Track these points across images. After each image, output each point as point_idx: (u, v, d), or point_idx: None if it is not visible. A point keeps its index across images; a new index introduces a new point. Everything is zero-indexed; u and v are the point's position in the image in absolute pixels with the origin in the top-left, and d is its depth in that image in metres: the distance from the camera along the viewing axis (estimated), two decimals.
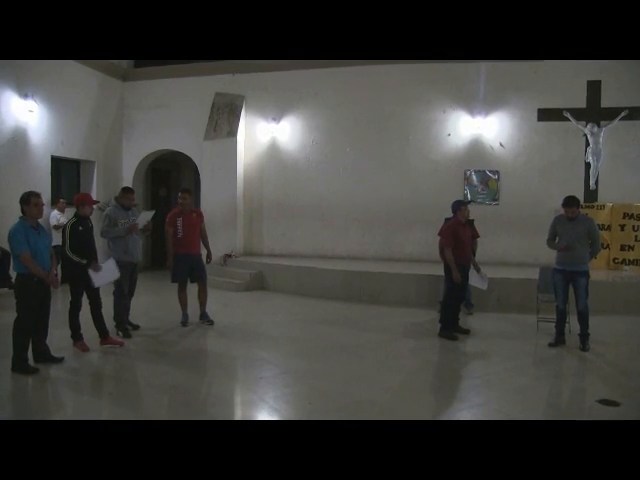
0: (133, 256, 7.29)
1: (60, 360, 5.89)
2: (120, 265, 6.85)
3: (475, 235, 8.36)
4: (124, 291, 7.25)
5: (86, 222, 6.47)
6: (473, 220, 8.30)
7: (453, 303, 7.36)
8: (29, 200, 5.59)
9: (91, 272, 6.29)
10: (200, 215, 8.12)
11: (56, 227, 10.30)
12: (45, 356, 5.83)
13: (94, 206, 6.80)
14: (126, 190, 7.58)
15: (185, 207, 7.79)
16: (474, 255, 7.86)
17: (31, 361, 5.70)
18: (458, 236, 7.22)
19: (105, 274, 6.46)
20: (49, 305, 5.89)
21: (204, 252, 8.03)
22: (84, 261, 6.25)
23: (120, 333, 7.10)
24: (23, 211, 5.62)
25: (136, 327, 7.42)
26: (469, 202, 8.04)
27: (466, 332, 7.43)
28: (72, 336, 6.44)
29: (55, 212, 10.78)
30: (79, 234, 6.29)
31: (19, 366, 5.53)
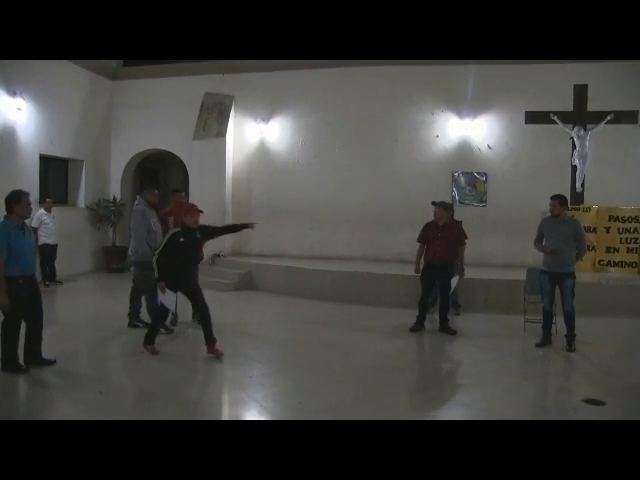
0: None
1: (52, 362, 5.77)
2: None
3: (458, 239, 7.74)
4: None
5: (190, 234, 6.26)
6: (461, 221, 8.31)
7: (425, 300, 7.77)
8: (20, 199, 5.46)
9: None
10: None
11: (34, 229, 9.87)
12: (37, 359, 5.70)
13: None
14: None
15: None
16: (459, 259, 7.73)
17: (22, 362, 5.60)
18: (427, 235, 7.63)
19: (163, 297, 6.23)
20: (40, 308, 5.72)
21: None
22: (156, 275, 6.09)
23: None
24: (9, 210, 5.46)
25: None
26: (440, 203, 7.71)
27: (453, 333, 7.48)
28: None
29: (41, 212, 10.53)
30: (176, 245, 6.11)
31: (9, 366, 5.48)
